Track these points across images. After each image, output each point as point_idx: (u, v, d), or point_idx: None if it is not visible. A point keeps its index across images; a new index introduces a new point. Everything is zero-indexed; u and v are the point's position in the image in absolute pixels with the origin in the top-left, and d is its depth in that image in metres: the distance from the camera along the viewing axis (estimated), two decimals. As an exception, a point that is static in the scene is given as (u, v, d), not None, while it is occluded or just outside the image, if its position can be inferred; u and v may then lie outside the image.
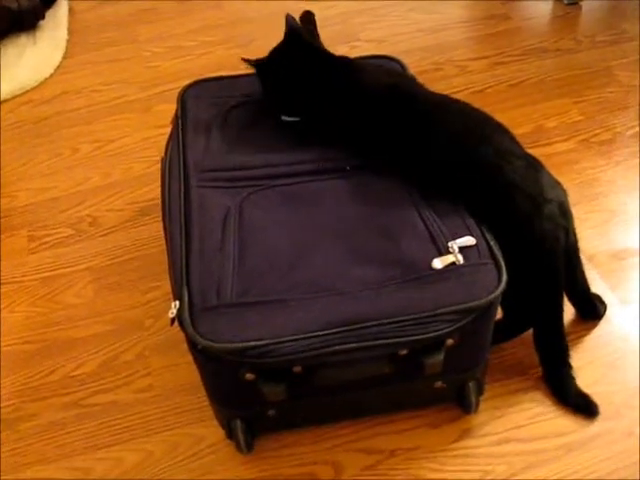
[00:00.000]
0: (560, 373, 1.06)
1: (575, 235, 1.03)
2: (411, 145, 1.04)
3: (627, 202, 1.34)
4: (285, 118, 1.14)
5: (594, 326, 1.15)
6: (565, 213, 1.00)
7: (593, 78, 1.62)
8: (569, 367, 1.06)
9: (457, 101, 1.09)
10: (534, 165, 1.02)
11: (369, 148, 1.07)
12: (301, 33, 1.13)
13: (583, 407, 1.05)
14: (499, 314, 0.99)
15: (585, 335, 1.14)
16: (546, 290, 1.02)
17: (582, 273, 1.09)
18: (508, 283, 0.90)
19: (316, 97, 1.11)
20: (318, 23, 1.17)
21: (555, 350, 1.06)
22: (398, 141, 1.05)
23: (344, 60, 1.14)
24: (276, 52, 1.14)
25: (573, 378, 1.06)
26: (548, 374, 1.08)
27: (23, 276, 1.31)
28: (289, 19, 1.14)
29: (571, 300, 1.11)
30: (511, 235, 0.97)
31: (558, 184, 1.02)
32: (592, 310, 1.15)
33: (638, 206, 1.33)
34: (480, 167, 1.00)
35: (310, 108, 1.12)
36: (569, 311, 1.14)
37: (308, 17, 1.21)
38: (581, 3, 1.85)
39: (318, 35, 1.18)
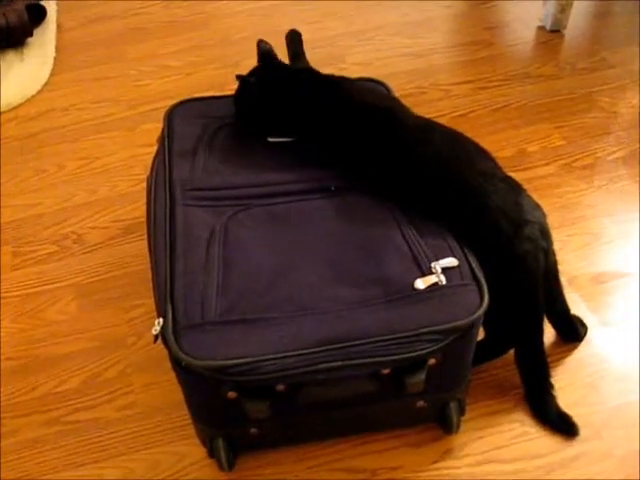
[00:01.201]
0: (541, 392, 1.07)
1: (554, 256, 1.05)
2: (395, 166, 1.05)
3: (608, 226, 1.35)
4: (271, 139, 1.15)
5: (574, 348, 1.16)
6: (545, 235, 1.01)
7: (575, 104, 1.64)
8: (550, 387, 1.07)
9: (441, 125, 1.11)
10: (515, 188, 1.03)
11: (354, 167, 1.08)
12: (272, 56, 1.17)
13: (563, 427, 1.06)
14: (481, 334, 1.00)
15: (565, 357, 1.15)
16: (526, 310, 1.03)
17: (561, 294, 1.10)
18: (490, 303, 0.91)
19: (302, 116, 1.12)
20: (305, 45, 1.19)
21: (536, 369, 1.07)
22: (382, 161, 1.06)
23: (331, 79, 1.15)
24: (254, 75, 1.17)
25: (554, 397, 1.07)
26: (529, 393, 1.08)
27: (6, 292, 1.31)
28: (260, 45, 1.17)
29: (551, 321, 1.12)
30: (492, 255, 0.98)
31: (538, 207, 1.04)
32: (572, 332, 1.16)
33: (619, 230, 1.35)
34: (463, 189, 1.01)
35: (296, 127, 1.13)
36: (550, 332, 1.15)
37: (294, 36, 1.23)
38: (563, 31, 1.88)
39: (304, 53, 1.20)
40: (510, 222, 0.98)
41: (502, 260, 0.99)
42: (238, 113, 1.18)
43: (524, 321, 1.04)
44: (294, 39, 1.24)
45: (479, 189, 1.00)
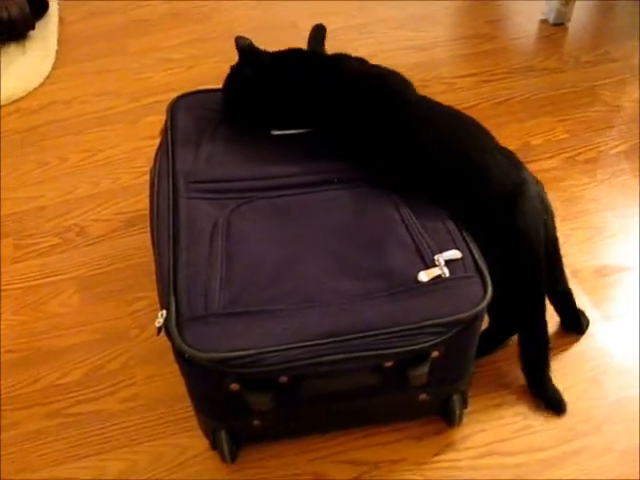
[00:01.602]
0: (541, 370, 1.08)
1: (555, 231, 1.05)
2: (397, 146, 1.05)
3: (611, 219, 1.35)
4: (275, 132, 1.14)
5: (576, 341, 1.16)
6: (545, 207, 1.03)
7: (578, 97, 1.64)
8: (548, 365, 1.08)
9: (441, 104, 1.11)
10: (515, 162, 1.04)
11: (356, 152, 1.08)
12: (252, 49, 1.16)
13: (553, 403, 1.07)
14: (484, 324, 1.00)
15: (567, 350, 1.15)
16: (529, 284, 1.03)
17: (563, 273, 1.10)
18: (494, 288, 0.91)
19: (299, 101, 1.12)
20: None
21: (539, 345, 1.08)
22: (384, 143, 1.06)
23: (332, 58, 1.15)
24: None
25: (549, 377, 1.08)
26: (528, 369, 1.09)
27: (8, 284, 1.31)
28: (239, 41, 1.16)
29: (554, 304, 1.13)
30: (494, 230, 0.99)
31: (538, 181, 1.05)
32: (575, 320, 1.16)
33: (621, 223, 1.35)
34: (465, 164, 1.01)
35: (296, 114, 1.13)
36: (552, 326, 1.15)
37: (317, 31, 1.22)
38: (567, 24, 1.87)
39: (323, 50, 1.19)
40: (513, 194, 0.99)
41: (504, 234, 0.99)
42: (229, 108, 1.18)
43: (527, 297, 1.04)
44: (316, 35, 1.22)
45: (481, 163, 1.01)
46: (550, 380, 1.08)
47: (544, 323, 1.06)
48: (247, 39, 1.16)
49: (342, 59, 1.14)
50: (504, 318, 1.07)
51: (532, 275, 1.02)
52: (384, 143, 1.06)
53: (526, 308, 1.06)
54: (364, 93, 1.08)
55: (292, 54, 1.15)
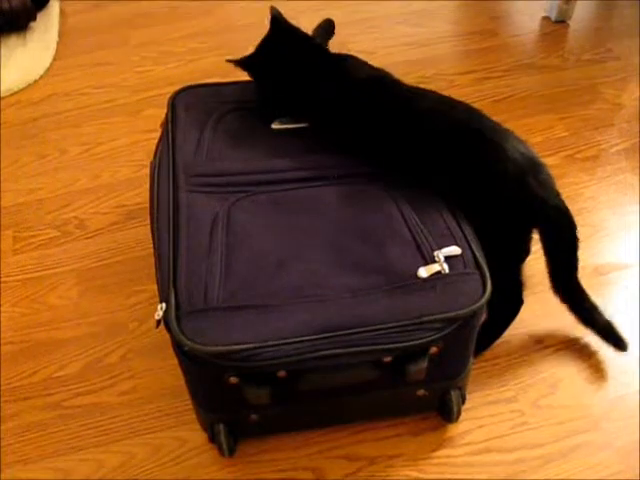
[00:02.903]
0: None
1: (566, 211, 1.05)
2: (393, 120, 1.06)
3: (610, 218, 1.36)
4: (275, 126, 1.14)
5: (575, 339, 1.16)
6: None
7: (578, 95, 1.64)
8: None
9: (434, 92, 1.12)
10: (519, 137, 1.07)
11: (354, 131, 1.09)
12: (284, 22, 1.16)
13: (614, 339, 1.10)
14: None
15: (565, 348, 1.15)
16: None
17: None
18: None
19: (307, 87, 1.13)
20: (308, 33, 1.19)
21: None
22: (382, 124, 1.07)
23: (339, 56, 1.16)
24: (262, 45, 1.17)
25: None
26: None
27: (7, 276, 1.31)
28: (273, 11, 1.17)
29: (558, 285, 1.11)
30: (509, 198, 1.01)
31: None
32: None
33: (620, 222, 1.35)
34: (477, 138, 1.03)
35: (301, 100, 1.14)
36: (548, 324, 1.15)
37: (325, 26, 1.22)
38: (568, 22, 1.87)
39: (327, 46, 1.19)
40: (527, 165, 1.02)
41: (521, 204, 1.01)
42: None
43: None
44: (323, 29, 1.22)
45: (494, 137, 1.03)
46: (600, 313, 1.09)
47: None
48: (277, 10, 1.18)
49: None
50: (501, 309, 1.08)
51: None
52: (381, 122, 1.07)
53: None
54: (366, 85, 1.10)
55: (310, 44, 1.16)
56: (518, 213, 1.02)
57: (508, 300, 1.08)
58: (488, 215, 1.01)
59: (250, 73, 1.18)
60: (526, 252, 1.07)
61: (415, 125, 1.05)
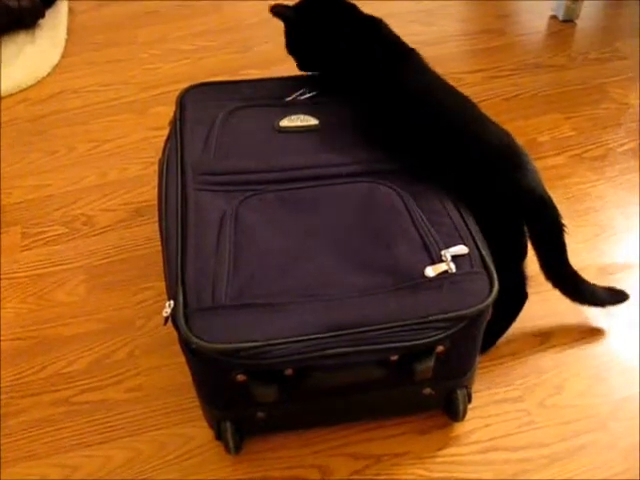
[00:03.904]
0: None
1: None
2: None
3: (617, 217, 1.35)
4: (283, 124, 1.14)
5: (581, 338, 1.16)
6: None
7: (586, 94, 1.64)
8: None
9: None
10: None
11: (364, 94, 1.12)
12: None
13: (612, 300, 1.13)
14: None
15: (571, 347, 1.15)
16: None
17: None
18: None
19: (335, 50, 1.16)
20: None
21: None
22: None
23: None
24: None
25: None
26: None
27: (15, 273, 1.31)
28: None
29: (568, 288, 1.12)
30: (498, 187, 1.02)
31: None
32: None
33: (628, 222, 1.34)
34: (462, 126, 1.07)
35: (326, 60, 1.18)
36: (554, 323, 1.16)
37: None
38: (576, 21, 1.87)
39: None
40: (512, 156, 1.04)
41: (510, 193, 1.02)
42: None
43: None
44: None
45: (478, 129, 1.07)
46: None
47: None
48: None
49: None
50: (505, 304, 1.07)
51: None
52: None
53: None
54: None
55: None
56: (507, 205, 1.03)
57: (512, 295, 1.08)
58: (483, 209, 1.02)
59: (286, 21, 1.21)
60: (524, 245, 1.06)
61: (426, 114, 1.07)
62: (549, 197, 1.03)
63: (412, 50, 1.17)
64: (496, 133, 1.06)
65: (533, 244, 1.05)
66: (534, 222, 1.04)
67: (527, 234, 1.04)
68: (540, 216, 1.04)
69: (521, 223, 1.04)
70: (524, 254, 1.06)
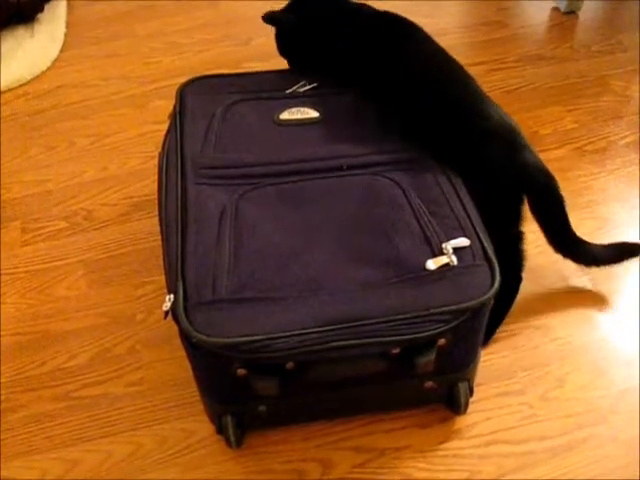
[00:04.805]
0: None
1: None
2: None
3: (619, 210, 1.35)
4: (283, 117, 1.14)
5: (581, 331, 1.16)
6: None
7: (588, 87, 1.63)
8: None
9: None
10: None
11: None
12: None
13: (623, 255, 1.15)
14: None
15: (572, 341, 1.15)
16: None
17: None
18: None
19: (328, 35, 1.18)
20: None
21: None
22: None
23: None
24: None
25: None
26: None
27: (15, 268, 1.31)
28: None
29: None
30: (496, 162, 1.05)
31: None
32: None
33: (630, 214, 1.34)
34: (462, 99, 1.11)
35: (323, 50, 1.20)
36: (555, 318, 1.15)
37: None
38: (578, 13, 1.86)
39: None
40: (511, 134, 1.07)
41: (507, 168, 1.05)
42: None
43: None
44: None
45: (482, 104, 1.10)
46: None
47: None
48: None
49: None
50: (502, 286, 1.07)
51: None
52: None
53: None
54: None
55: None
56: (510, 177, 1.06)
57: (506, 276, 1.08)
58: (483, 181, 1.05)
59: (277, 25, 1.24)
60: (519, 219, 1.08)
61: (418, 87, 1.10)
62: (547, 169, 1.07)
63: (404, 22, 1.24)
64: (495, 108, 1.10)
65: (538, 218, 1.08)
66: (537, 194, 1.07)
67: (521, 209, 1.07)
68: (543, 188, 1.07)
69: (521, 193, 1.06)
70: (517, 230, 1.09)
